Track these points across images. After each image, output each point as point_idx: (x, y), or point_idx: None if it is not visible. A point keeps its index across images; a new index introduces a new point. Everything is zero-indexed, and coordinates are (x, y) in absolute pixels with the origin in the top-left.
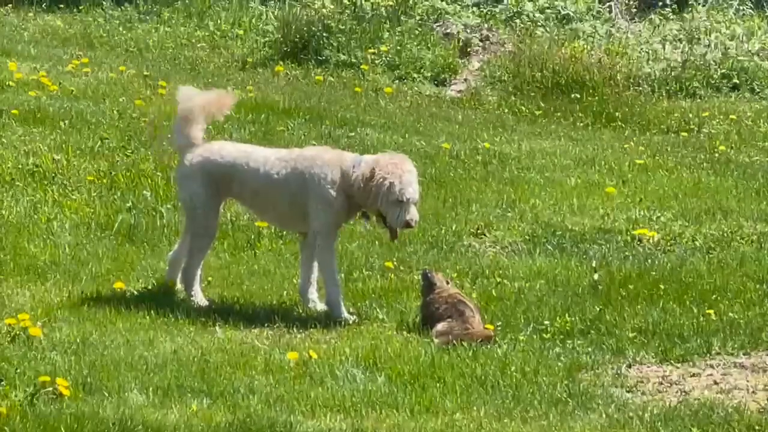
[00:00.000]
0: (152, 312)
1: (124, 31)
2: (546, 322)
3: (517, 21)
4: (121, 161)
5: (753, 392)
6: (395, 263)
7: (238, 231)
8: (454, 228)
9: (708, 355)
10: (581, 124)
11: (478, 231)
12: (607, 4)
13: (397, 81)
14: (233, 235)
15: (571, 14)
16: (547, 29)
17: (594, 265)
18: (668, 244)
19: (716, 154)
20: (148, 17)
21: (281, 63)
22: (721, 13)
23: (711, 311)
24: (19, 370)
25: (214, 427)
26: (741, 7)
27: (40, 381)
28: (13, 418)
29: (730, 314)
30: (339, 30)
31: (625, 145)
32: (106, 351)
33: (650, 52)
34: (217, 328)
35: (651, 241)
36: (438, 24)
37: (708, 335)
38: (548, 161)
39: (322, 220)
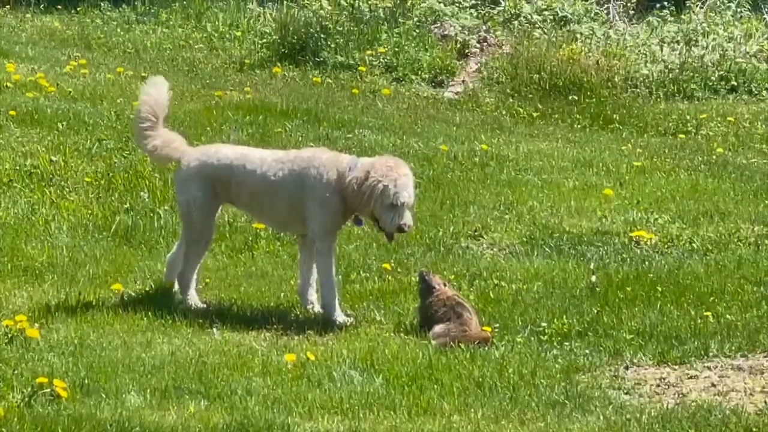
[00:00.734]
0: (150, 313)
1: (122, 33)
2: (543, 324)
3: (515, 23)
4: (119, 163)
5: (750, 394)
6: (393, 265)
7: (236, 233)
8: (451, 230)
9: (705, 357)
10: (579, 126)
11: (476, 233)
12: (605, 6)
13: (394, 82)
14: (231, 237)
15: (569, 16)
16: (545, 31)
17: (592, 267)
18: (666, 246)
19: (714, 156)
20: (145, 18)
21: (279, 64)
22: (719, 15)
23: (708, 313)
24: (16, 372)
25: (211, 428)
26: (739, 9)
27: (37, 382)
28: (10, 420)
29: (728, 316)
30: (337, 31)
31: (623, 147)
32: (104, 352)
33: (648, 54)
34: (214, 329)
35: (648, 243)
36: (435, 26)
37: (705, 337)
38: (546, 163)
39: (320, 221)
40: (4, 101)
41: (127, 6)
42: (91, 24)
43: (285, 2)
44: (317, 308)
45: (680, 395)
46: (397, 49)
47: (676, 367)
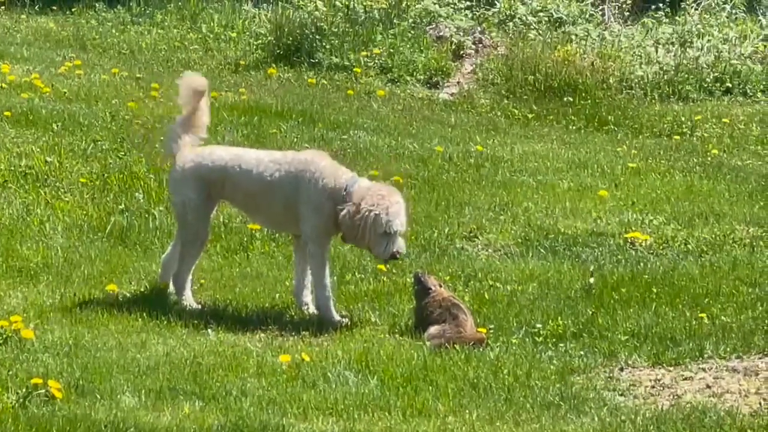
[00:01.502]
0: (144, 314)
1: (117, 33)
2: (538, 326)
3: (510, 24)
4: (114, 163)
5: (745, 396)
6: (388, 266)
7: (231, 234)
8: (446, 231)
9: (700, 358)
10: (574, 128)
11: (471, 234)
12: (600, 7)
13: (389, 84)
14: (226, 237)
15: (564, 17)
16: (540, 32)
17: (591, 269)
18: (661, 247)
19: (709, 158)
20: (140, 19)
21: (274, 65)
22: (714, 17)
23: (703, 315)
24: (11, 372)
25: (206, 429)
26: (733, 11)
27: (32, 383)
28: (5, 421)
29: (723, 318)
30: (332, 33)
31: (618, 149)
32: (99, 353)
33: (643, 55)
34: (209, 330)
35: (643, 244)
36: (431, 27)
37: (700, 339)
38: (541, 164)
39: (312, 224)
40: None
41: (122, 7)
42: (86, 25)
43: (280, 3)
44: (312, 309)
45: (675, 397)
46: (392, 51)
47: (671, 368)
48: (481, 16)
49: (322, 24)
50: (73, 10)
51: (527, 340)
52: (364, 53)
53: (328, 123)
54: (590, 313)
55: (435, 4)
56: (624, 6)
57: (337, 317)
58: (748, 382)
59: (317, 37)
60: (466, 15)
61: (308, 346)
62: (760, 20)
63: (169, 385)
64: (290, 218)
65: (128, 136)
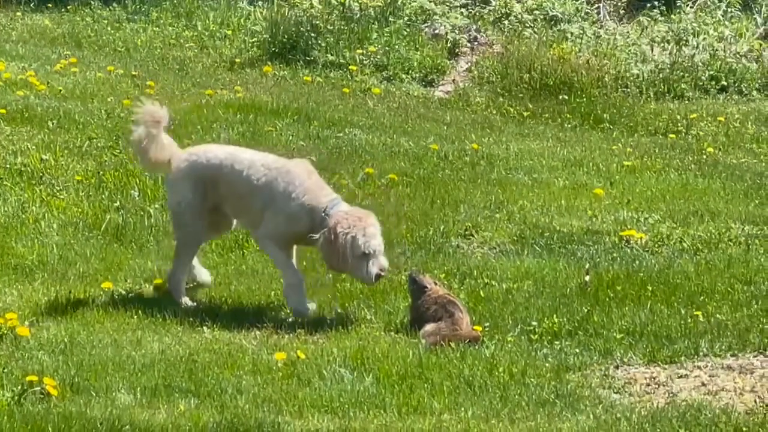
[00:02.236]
0: (140, 312)
1: (113, 31)
2: (534, 323)
3: (505, 22)
4: (109, 161)
5: (740, 394)
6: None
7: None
8: (442, 229)
9: (696, 356)
10: (569, 126)
11: (466, 232)
12: (595, 5)
13: (385, 82)
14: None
15: (559, 16)
16: (536, 30)
17: (587, 267)
18: (656, 245)
19: (704, 156)
20: (136, 17)
21: (269, 63)
22: (709, 15)
23: (699, 313)
24: (6, 370)
25: (201, 427)
26: (729, 9)
27: (27, 380)
28: (0, 418)
29: (718, 316)
30: (327, 30)
31: (613, 147)
32: (94, 351)
33: (638, 53)
34: (204, 328)
35: (639, 242)
36: (426, 25)
37: (696, 337)
38: (536, 162)
39: (282, 230)
40: None
41: (117, 4)
42: (81, 22)
43: (276, 1)
44: (309, 306)
45: (670, 394)
46: (387, 48)
47: (667, 366)
48: (477, 14)
49: (317, 22)
50: (68, 7)
51: (522, 337)
52: (359, 51)
53: (323, 121)
54: (585, 311)
55: (430, 2)
56: (619, 4)
57: (307, 305)
58: (743, 379)
59: (313, 34)
60: (461, 13)
61: (303, 343)
62: (755, 18)
63: (164, 382)
64: None
65: (124, 133)
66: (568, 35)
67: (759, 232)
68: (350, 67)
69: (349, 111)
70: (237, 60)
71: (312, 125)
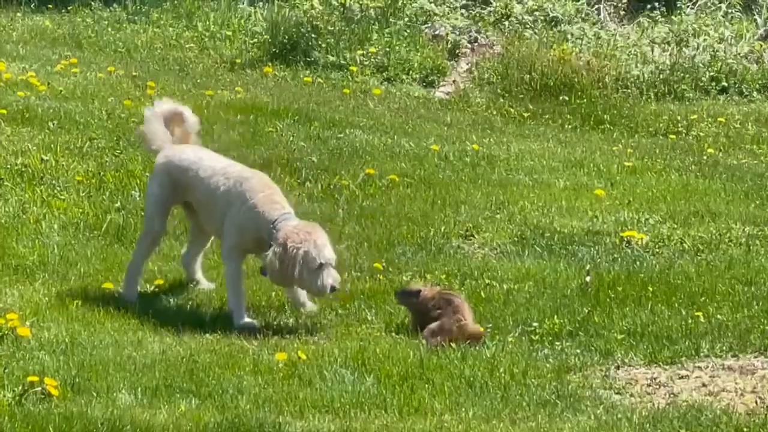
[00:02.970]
0: (141, 312)
1: (113, 32)
2: (534, 324)
3: (506, 23)
4: (110, 161)
5: (741, 394)
6: (384, 265)
7: None
8: (442, 229)
9: (696, 357)
10: (570, 127)
11: (467, 233)
12: (596, 6)
13: (385, 82)
14: None
15: (560, 17)
16: (536, 31)
17: (587, 268)
18: (657, 246)
19: (705, 157)
20: (136, 18)
21: (270, 64)
22: (710, 16)
23: (699, 313)
24: (7, 370)
25: (202, 427)
26: (729, 10)
27: (28, 381)
28: (1, 418)
29: (719, 316)
30: (328, 31)
31: (614, 148)
32: (95, 351)
33: (639, 54)
34: (205, 328)
35: (639, 243)
36: (426, 26)
37: (696, 337)
38: (537, 163)
39: (232, 243)
40: None
41: (118, 5)
42: (82, 23)
43: (276, 2)
44: (308, 306)
45: (671, 395)
46: (388, 49)
47: (667, 367)
48: (477, 15)
49: (318, 23)
50: (69, 8)
51: (523, 338)
52: (360, 52)
53: (324, 121)
54: (586, 311)
55: (431, 3)
56: (620, 5)
57: (248, 320)
58: (744, 380)
59: (313, 35)
60: (461, 14)
61: (304, 344)
62: (755, 19)
63: (165, 383)
64: None
65: (124, 134)
66: (569, 36)
67: (759, 233)
68: (351, 67)
69: (349, 112)
70: (237, 61)
71: (312, 126)
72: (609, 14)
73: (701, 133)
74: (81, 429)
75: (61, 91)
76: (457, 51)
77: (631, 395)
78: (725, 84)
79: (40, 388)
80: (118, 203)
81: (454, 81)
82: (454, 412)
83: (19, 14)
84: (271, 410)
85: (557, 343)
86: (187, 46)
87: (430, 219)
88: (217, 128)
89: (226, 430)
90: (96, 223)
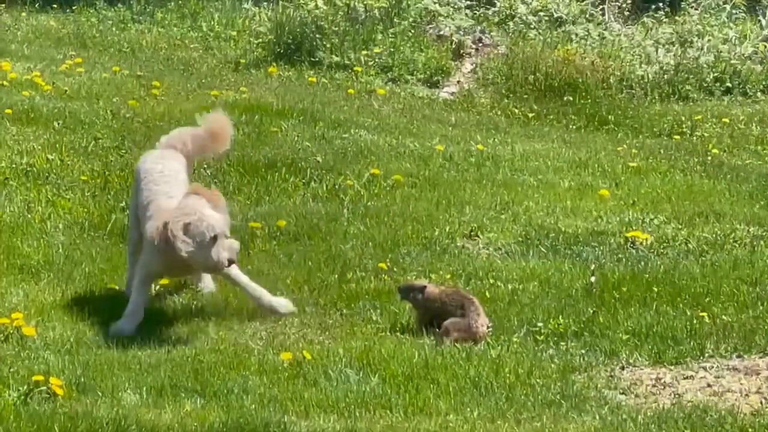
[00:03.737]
0: (145, 312)
1: (118, 32)
2: (539, 324)
3: (510, 23)
4: (115, 161)
5: (746, 395)
6: (389, 264)
7: (231, 231)
8: (447, 230)
9: (701, 357)
10: (574, 127)
11: (472, 233)
12: (600, 7)
13: (390, 83)
14: None
15: (564, 17)
16: (540, 32)
17: (592, 268)
18: (661, 246)
19: (709, 158)
20: (141, 18)
21: (274, 64)
22: (714, 17)
23: (704, 314)
24: (12, 370)
25: (207, 427)
26: (734, 11)
27: (33, 380)
28: (6, 418)
29: (724, 317)
30: (332, 31)
31: (618, 148)
32: (100, 350)
33: (643, 55)
34: (210, 328)
35: (644, 243)
36: (431, 26)
37: (701, 338)
38: (541, 163)
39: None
40: None
41: (122, 5)
42: (86, 23)
43: (281, 2)
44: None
45: (676, 395)
46: (392, 50)
47: (672, 367)
48: (482, 15)
49: (322, 23)
50: (73, 8)
51: (528, 338)
52: (364, 52)
53: (328, 122)
54: (591, 311)
55: (435, 3)
56: (624, 6)
57: (129, 327)
58: (748, 381)
59: (318, 35)
60: (466, 14)
61: (309, 344)
62: (760, 20)
63: (170, 382)
64: None
65: (129, 134)
66: (573, 36)
67: (764, 234)
68: (355, 68)
69: (354, 112)
70: (242, 61)
71: (317, 126)
72: (613, 15)
73: (705, 134)
74: (86, 428)
75: (65, 90)
76: (462, 51)
77: (636, 395)
78: (729, 85)
79: (45, 388)
80: (123, 203)
81: (458, 81)
82: (459, 412)
83: (23, 14)
84: (276, 410)
85: (562, 343)
86: (191, 46)
87: (435, 219)
88: None
89: (231, 430)
90: (101, 223)
